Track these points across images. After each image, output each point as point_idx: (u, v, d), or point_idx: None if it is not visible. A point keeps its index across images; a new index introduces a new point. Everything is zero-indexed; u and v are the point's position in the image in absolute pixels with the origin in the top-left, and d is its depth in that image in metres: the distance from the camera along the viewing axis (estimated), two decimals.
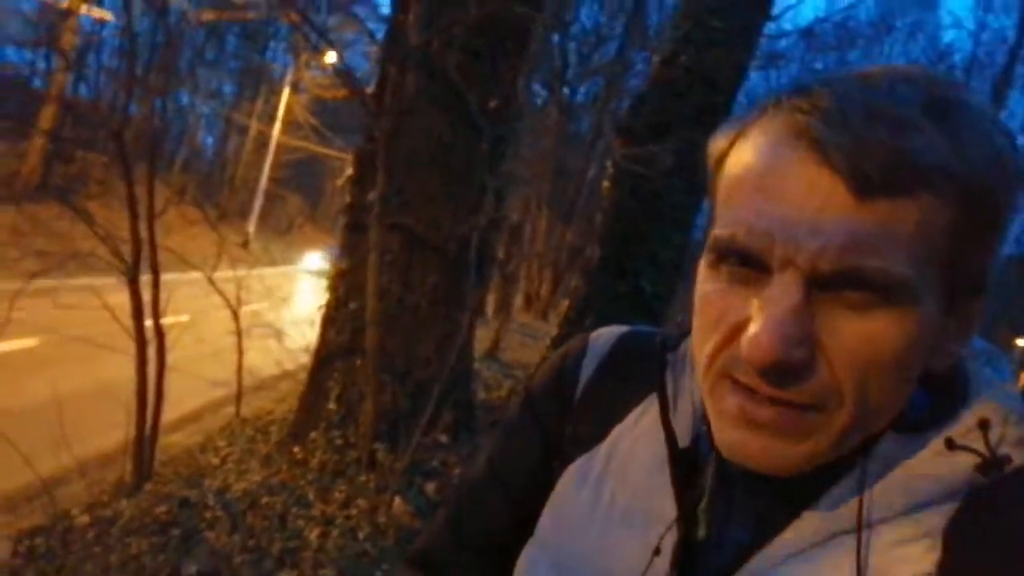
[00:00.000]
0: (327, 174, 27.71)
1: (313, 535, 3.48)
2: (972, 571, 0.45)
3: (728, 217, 0.49)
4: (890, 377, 0.47)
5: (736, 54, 6.27)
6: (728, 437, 0.50)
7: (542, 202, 18.11)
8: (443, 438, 4.38)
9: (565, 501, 0.65)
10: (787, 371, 0.45)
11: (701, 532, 0.56)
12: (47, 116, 16.86)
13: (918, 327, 0.46)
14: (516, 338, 13.19)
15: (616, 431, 0.64)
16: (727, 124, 0.55)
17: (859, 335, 0.45)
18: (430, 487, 3.99)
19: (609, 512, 0.61)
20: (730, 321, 0.49)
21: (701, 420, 0.59)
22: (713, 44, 6.29)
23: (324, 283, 4.86)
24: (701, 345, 0.52)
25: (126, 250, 4.80)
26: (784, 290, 0.45)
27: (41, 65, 20.09)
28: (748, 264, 0.48)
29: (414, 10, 3.95)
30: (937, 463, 0.49)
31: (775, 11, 9.14)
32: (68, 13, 14.12)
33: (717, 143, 0.54)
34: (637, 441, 0.63)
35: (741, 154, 0.50)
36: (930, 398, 0.52)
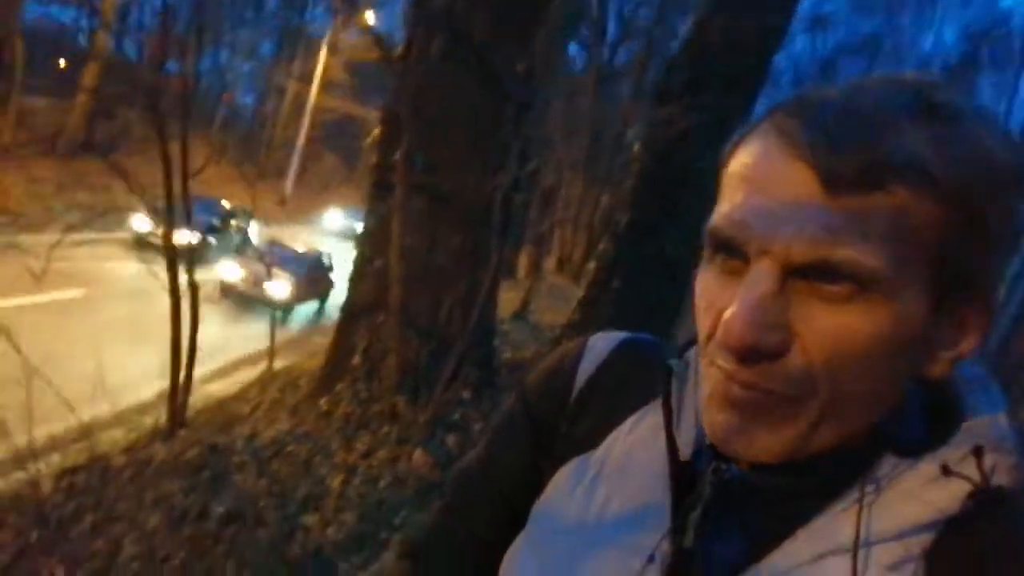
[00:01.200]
0: (363, 135, 27.82)
1: (335, 482, 3.63)
2: None
3: (718, 212, 0.51)
4: (864, 370, 0.47)
5: (771, 18, 6.15)
6: (711, 419, 0.52)
7: (578, 166, 18.02)
8: (465, 394, 4.49)
9: (557, 501, 0.65)
10: (759, 355, 0.47)
11: (688, 542, 0.56)
12: (91, 73, 17.18)
13: (894, 322, 0.47)
14: (546, 300, 13.23)
15: (613, 436, 0.65)
16: (739, 131, 0.57)
17: (832, 326, 0.46)
18: (451, 440, 4.11)
19: (601, 515, 0.61)
20: (716, 310, 0.50)
21: (701, 438, 0.59)
22: (748, 7, 6.18)
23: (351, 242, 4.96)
24: (700, 334, 0.54)
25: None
26: (759, 277, 0.47)
27: (84, 24, 20.40)
28: (734, 256, 0.50)
29: None
30: (931, 488, 0.50)
31: None
32: None
33: (727, 149, 0.57)
34: (634, 448, 0.63)
35: (739, 155, 0.53)
36: (926, 422, 0.53)
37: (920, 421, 0.54)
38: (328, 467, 3.76)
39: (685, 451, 0.59)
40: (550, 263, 20.85)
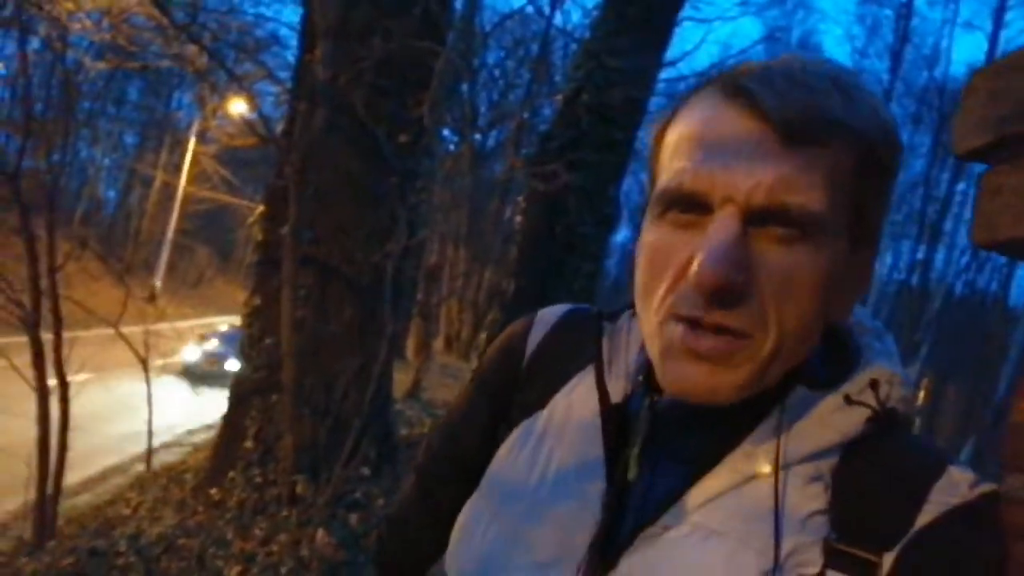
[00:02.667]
0: (237, 225, 27.13)
1: (233, 573, 3.40)
2: (851, 506, 0.54)
3: (673, 170, 0.56)
4: (805, 307, 0.54)
5: (634, 92, 6.61)
6: (671, 370, 0.56)
7: (460, 244, 18.27)
8: (365, 471, 4.36)
9: (506, 460, 0.70)
10: (729, 294, 0.52)
11: (631, 474, 0.61)
12: None
13: (829, 263, 0.54)
14: (437, 378, 13.12)
15: (555, 399, 0.70)
16: (664, 109, 0.64)
17: (783, 265, 0.53)
18: (353, 518, 3.95)
19: (546, 469, 0.66)
20: (676, 263, 0.55)
21: (634, 380, 0.66)
22: (611, 84, 6.62)
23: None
24: (650, 293, 0.58)
25: (26, 301, 4.63)
26: (725, 223, 0.53)
27: None
28: (691, 209, 0.55)
29: (321, 47, 4.05)
30: (836, 416, 0.57)
31: (673, 56, 9.65)
32: None
33: (657, 123, 0.63)
34: (573, 404, 0.68)
35: (682, 121, 0.58)
36: (827, 362, 0.61)
37: (821, 360, 0.61)
38: (224, 558, 3.52)
39: (616, 396, 0.66)
40: (438, 343, 20.75)
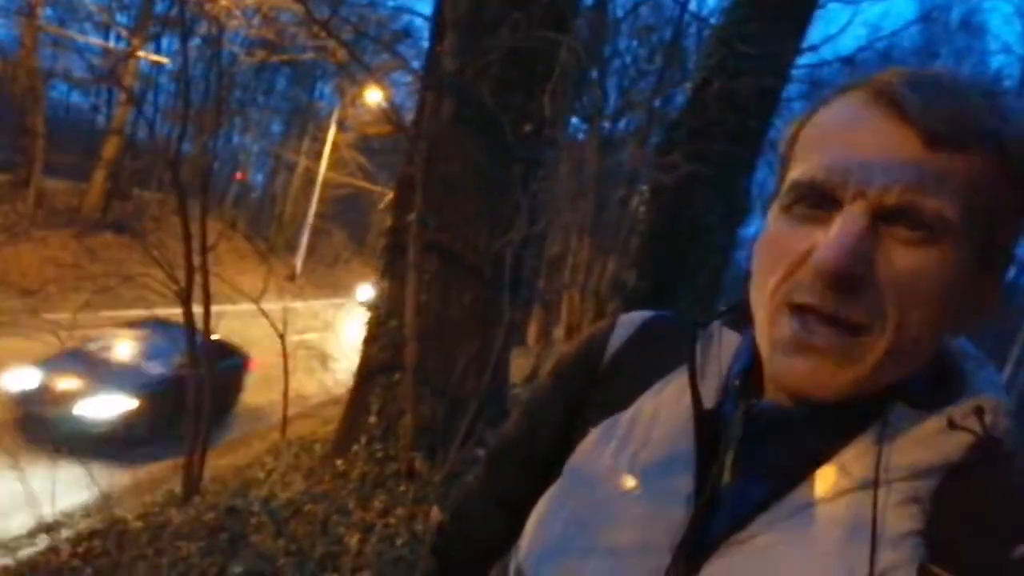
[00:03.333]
0: (372, 210, 28.30)
1: (353, 541, 3.59)
2: (949, 531, 0.53)
3: (808, 163, 0.56)
4: (927, 311, 0.53)
5: (767, 80, 6.36)
6: (780, 362, 0.56)
7: (584, 233, 18.24)
8: (479, 452, 4.48)
9: (590, 455, 0.70)
10: (849, 283, 0.52)
11: (726, 479, 0.61)
12: (109, 147, 17.70)
13: (956, 271, 0.53)
14: None
15: (641, 398, 0.70)
16: (805, 106, 0.65)
17: (908, 266, 0.52)
18: None
19: (631, 466, 0.66)
20: (796, 252, 0.56)
21: (729, 385, 0.65)
22: (743, 72, 6.39)
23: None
24: (764, 281, 0.58)
25: (180, 277, 5.05)
26: (854, 216, 0.53)
27: (103, 108, 21.10)
28: (820, 204, 0.55)
29: (449, 39, 4.17)
30: (938, 438, 0.56)
31: (815, 40, 9.19)
32: (129, 56, 14.88)
33: (796, 120, 0.63)
34: (661, 406, 0.68)
35: (823, 118, 0.59)
36: (929, 383, 0.59)
37: (924, 381, 0.59)
38: (345, 526, 3.73)
39: (708, 401, 0.65)
40: (559, 331, 20.87)
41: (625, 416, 0.70)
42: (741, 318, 0.68)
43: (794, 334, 0.55)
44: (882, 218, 0.53)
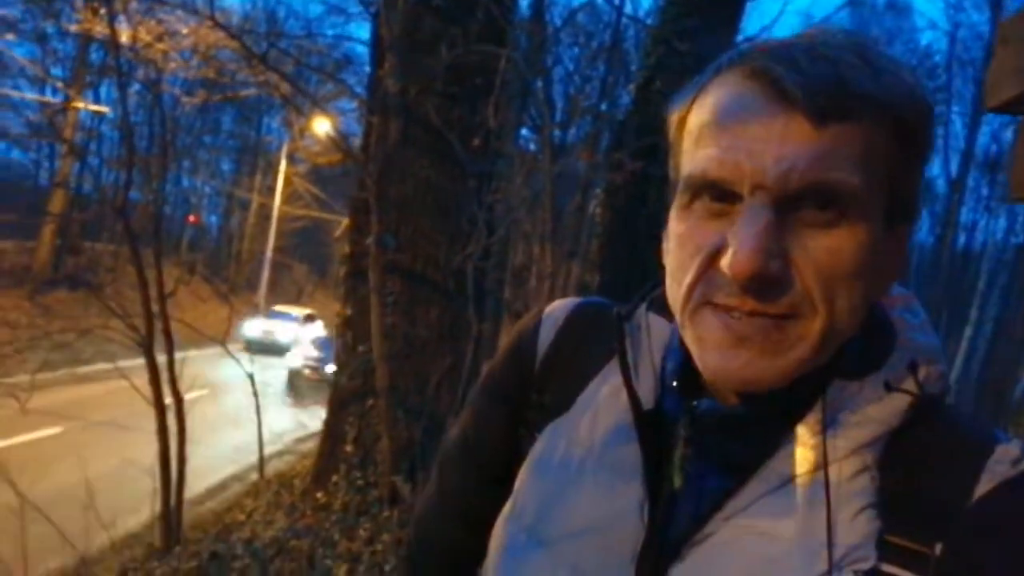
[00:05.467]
0: (331, 240, 28.09)
1: (341, 572, 3.55)
2: (900, 497, 0.53)
3: (698, 157, 0.54)
4: (852, 287, 0.52)
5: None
6: (712, 359, 0.54)
7: (545, 241, 18.35)
8: None
9: (537, 473, 0.68)
10: (766, 282, 0.51)
11: (677, 482, 0.59)
12: (56, 201, 17.36)
13: (869, 242, 0.52)
14: None
15: (579, 401, 0.68)
16: (682, 92, 0.60)
17: (824, 248, 0.51)
18: None
19: (579, 476, 0.64)
20: (707, 251, 0.53)
21: (667, 384, 0.63)
22: (685, 68, 6.50)
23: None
24: (679, 282, 0.56)
25: (140, 326, 4.94)
26: (756, 211, 0.51)
27: (45, 163, 20.71)
28: (720, 198, 0.53)
29: (388, 61, 4.18)
30: (877, 406, 0.55)
31: (751, 32, 9.39)
32: (66, 107, 14.64)
33: (677, 108, 0.60)
34: (600, 411, 0.66)
35: (703, 107, 0.56)
36: (864, 347, 0.58)
37: (858, 347, 0.58)
38: (332, 558, 3.69)
39: (647, 401, 0.63)
40: None
41: (566, 422, 0.68)
42: (667, 302, 0.63)
43: (721, 333, 0.53)
44: (788, 205, 0.51)
